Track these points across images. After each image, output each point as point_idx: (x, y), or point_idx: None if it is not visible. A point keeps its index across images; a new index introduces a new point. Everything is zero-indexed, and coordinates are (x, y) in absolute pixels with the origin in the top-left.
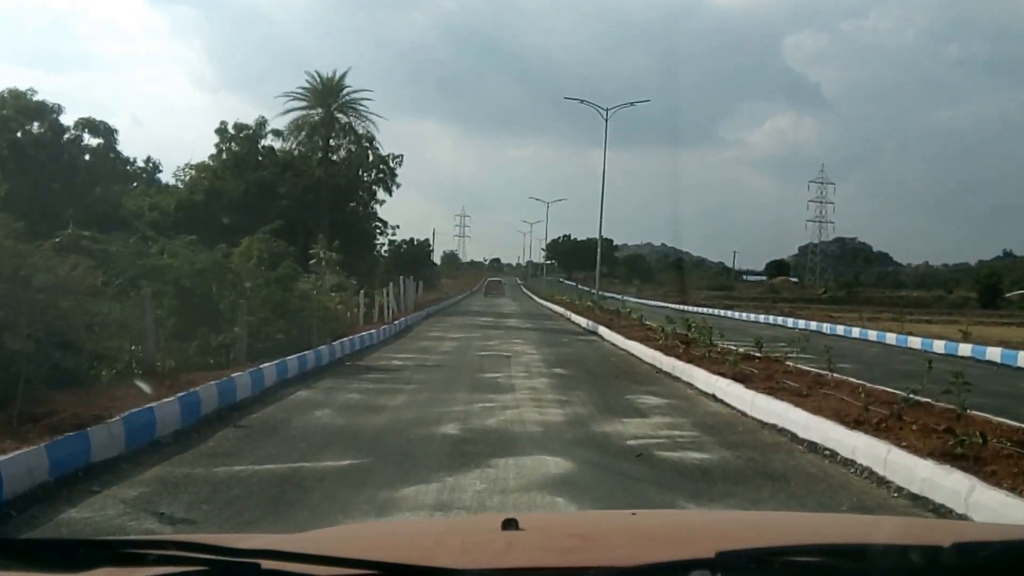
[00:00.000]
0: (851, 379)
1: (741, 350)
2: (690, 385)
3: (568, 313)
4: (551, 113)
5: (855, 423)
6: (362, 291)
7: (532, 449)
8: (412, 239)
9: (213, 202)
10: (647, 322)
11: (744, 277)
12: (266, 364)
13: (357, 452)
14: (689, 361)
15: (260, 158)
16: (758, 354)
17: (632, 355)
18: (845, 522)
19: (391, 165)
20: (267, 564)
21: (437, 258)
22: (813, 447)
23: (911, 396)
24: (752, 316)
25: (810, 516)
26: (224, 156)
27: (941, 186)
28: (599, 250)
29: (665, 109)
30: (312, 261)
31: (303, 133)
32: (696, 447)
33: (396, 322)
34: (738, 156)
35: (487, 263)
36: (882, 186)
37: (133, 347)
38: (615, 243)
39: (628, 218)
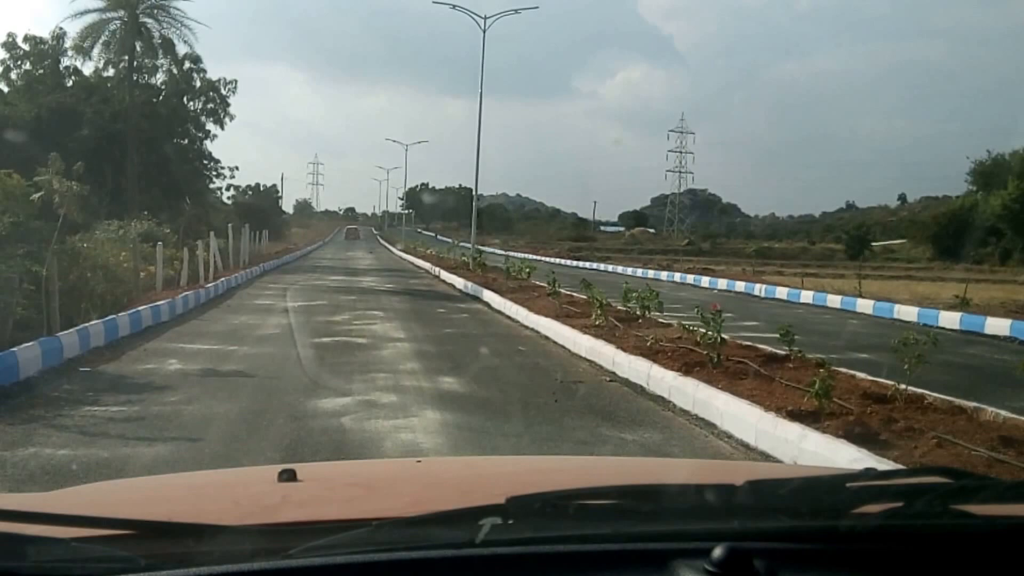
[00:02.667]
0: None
1: (726, 337)
2: (728, 436)
3: (436, 270)
4: (404, 61)
5: None
6: (160, 243)
7: None
8: (258, 185)
9: None
10: (560, 289)
11: (601, 227)
12: None
13: None
14: (685, 372)
15: (68, 81)
16: (781, 352)
17: (552, 342)
18: (641, 465)
19: (223, 93)
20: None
21: (289, 206)
22: None
23: None
24: (642, 271)
25: (604, 459)
26: (13, 75)
27: (786, 139)
28: (475, 195)
29: (521, 60)
30: (37, 194)
31: (102, 44)
32: None
33: (211, 285)
34: (592, 108)
35: (342, 212)
36: (730, 139)
37: None
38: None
39: (485, 168)
